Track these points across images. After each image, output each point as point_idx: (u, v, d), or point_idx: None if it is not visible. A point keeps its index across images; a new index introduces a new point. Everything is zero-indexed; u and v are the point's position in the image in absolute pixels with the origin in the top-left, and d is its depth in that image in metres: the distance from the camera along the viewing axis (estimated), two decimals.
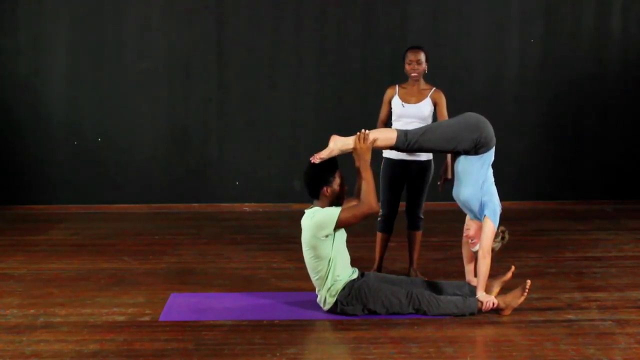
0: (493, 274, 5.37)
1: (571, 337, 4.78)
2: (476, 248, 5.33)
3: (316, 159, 5.19)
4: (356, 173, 5.29)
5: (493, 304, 5.16)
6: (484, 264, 5.19)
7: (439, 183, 6.04)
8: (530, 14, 9.13)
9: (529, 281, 5.21)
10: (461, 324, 5.03)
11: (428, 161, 6.00)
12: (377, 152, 5.43)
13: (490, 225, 5.22)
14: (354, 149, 5.21)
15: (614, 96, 9.23)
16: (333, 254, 5.14)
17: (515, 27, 9.12)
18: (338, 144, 5.21)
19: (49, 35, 8.93)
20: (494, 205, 5.26)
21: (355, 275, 5.28)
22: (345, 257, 5.28)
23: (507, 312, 5.18)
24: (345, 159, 5.37)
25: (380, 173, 6.04)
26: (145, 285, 5.93)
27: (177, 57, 9.03)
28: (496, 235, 5.30)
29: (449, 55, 9.03)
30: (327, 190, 5.21)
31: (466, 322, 5.05)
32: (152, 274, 6.27)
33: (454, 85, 9.03)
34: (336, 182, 5.22)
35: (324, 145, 5.40)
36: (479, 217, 5.31)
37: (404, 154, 5.86)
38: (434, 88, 6.03)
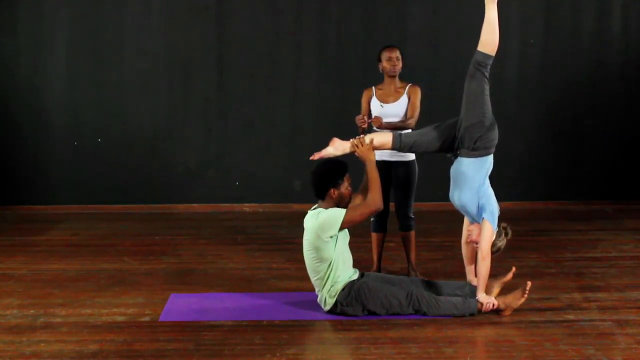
0: (493, 275, 5.37)
1: (571, 337, 4.78)
2: None
3: (316, 156, 5.26)
4: (364, 173, 5.35)
5: (493, 305, 5.16)
6: (484, 265, 5.18)
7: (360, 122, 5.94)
8: (530, 14, 9.12)
9: (529, 283, 5.20)
10: (461, 324, 5.03)
11: (412, 162, 6.02)
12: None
13: (489, 227, 5.21)
14: (356, 153, 5.29)
15: (614, 96, 9.22)
16: (335, 256, 5.14)
17: (515, 27, 9.11)
18: (339, 150, 5.34)
19: (49, 35, 8.92)
20: (492, 207, 5.25)
21: (356, 276, 5.27)
22: (348, 258, 5.28)
23: (507, 312, 5.17)
24: (352, 161, 5.39)
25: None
26: (145, 286, 5.93)
27: (177, 57, 9.03)
28: (499, 234, 5.30)
29: (449, 55, 9.02)
30: (334, 193, 5.20)
31: (466, 323, 5.05)
32: (152, 274, 6.27)
33: (454, 86, 9.01)
34: (344, 186, 5.22)
35: (324, 145, 5.40)
36: (477, 219, 5.30)
37: (387, 155, 5.89)
38: (410, 84, 6.05)
